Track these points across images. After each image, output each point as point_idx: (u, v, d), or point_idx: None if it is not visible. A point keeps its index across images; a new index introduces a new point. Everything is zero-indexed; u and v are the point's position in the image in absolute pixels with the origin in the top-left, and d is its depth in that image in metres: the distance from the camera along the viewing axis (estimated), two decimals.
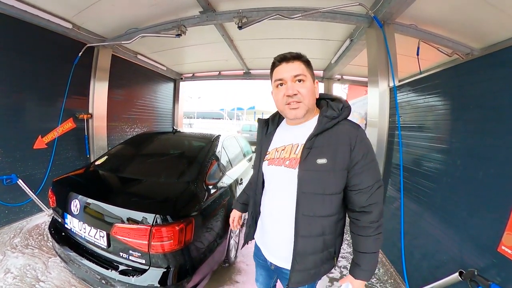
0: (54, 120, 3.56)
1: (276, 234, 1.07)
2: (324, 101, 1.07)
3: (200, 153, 2.33)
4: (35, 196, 3.12)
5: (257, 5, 3.05)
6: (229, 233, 2.21)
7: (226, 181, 2.35)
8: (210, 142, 2.55)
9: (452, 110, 1.79)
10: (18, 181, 2.98)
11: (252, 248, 2.90)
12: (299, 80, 0.99)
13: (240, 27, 3.09)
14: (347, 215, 1.07)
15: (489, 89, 1.42)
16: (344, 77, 6.14)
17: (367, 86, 3.21)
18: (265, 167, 1.08)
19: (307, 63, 1.03)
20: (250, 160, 3.85)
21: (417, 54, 3.05)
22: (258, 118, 1.23)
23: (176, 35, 3.37)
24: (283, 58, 1.02)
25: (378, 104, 2.84)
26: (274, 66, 1.06)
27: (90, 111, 4.08)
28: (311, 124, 1.02)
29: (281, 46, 4.47)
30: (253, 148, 4.56)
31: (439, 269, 1.64)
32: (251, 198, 1.22)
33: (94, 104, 4.09)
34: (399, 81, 2.71)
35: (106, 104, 4.27)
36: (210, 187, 2.04)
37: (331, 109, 1.01)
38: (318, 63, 5.40)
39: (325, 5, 2.76)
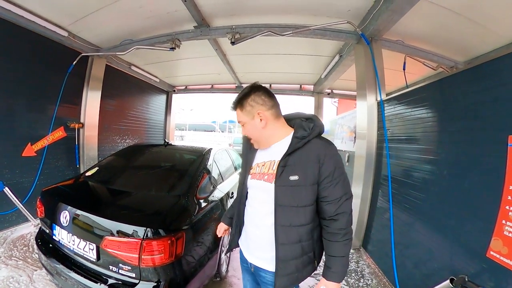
0: (45, 128, 3.51)
1: (257, 239, 1.16)
2: (299, 121, 1.16)
3: (191, 167, 2.32)
4: (21, 205, 3.00)
5: (250, 22, 3.18)
6: (220, 247, 2.18)
7: (217, 194, 2.34)
8: (202, 155, 2.55)
9: (438, 122, 1.88)
10: (4, 189, 2.88)
11: None
12: (242, 125, 1.17)
13: (233, 43, 3.19)
14: None
15: (472, 101, 1.52)
16: (334, 91, 6.34)
17: (356, 100, 3.32)
18: (249, 181, 1.19)
19: (242, 106, 1.13)
20: None
21: (404, 69, 3.21)
22: (243, 136, 1.28)
23: (170, 48, 3.44)
24: (231, 108, 1.19)
25: (367, 117, 2.94)
26: None
27: (81, 121, 4.04)
28: (285, 143, 1.11)
29: (273, 61, 4.62)
30: None
31: (431, 277, 1.66)
32: (236, 209, 1.32)
33: (86, 113, 4.06)
34: (387, 95, 2.83)
35: (98, 114, 4.24)
36: (201, 200, 2.03)
37: (302, 130, 1.10)
38: (309, 78, 5.58)
39: (315, 23, 2.90)
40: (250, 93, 1.11)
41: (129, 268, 1.49)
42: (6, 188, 2.90)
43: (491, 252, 1.26)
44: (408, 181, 2.18)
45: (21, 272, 2.29)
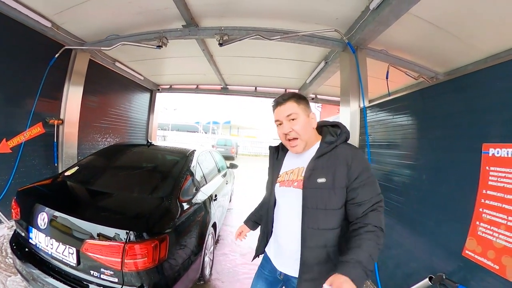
0: (22, 123, 3.28)
1: (287, 246, 1.17)
2: (325, 128, 1.21)
3: (175, 168, 2.30)
4: None
5: (239, 24, 3.19)
6: (203, 250, 2.17)
7: (200, 197, 2.33)
8: (185, 157, 2.52)
9: (418, 129, 1.99)
10: None
11: (227, 264, 2.83)
12: (292, 119, 1.14)
13: (221, 44, 3.19)
14: None
15: (450, 111, 1.63)
16: (318, 96, 6.51)
17: (339, 106, 3.43)
18: (277, 189, 1.22)
19: (298, 100, 1.16)
20: (224, 175, 3.84)
21: (387, 78, 3.37)
22: (270, 146, 1.38)
23: (157, 46, 3.37)
24: (277, 103, 1.20)
25: (349, 122, 3.03)
26: (273, 108, 1.23)
27: (61, 117, 3.83)
28: (314, 149, 1.15)
29: (259, 64, 4.65)
30: (228, 163, 4.57)
31: (411, 276, 1.75)
32: (264, 216, 1.34)
33: (67, 109, 3.85)
34: (369, 101, 2.94)
35: (79, 110, 4.04)
36: (185, 203, 2.01)
37: (329, 135, 1.16)
38: (294, 82, 5.68)
39: (303, 29, 2.97)
40: (304, 97, 1.21)
41: (111, 272, 1.44)
42: None
43: (466, 251, 1.35)
44: (389, 185, 2.27)
45: None
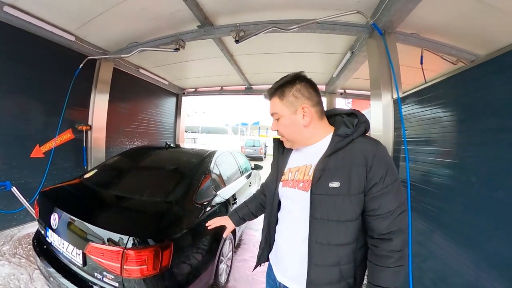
0: (53, 130, 3.59)
1: (287, 255, 1.02)
2: (340, 117, 1.01)
3: (189, 171, 2.22)
4: (28, 205, 3.08)
5: (254, 19, 3.06)
6: (217, 257, 2.06)
7: (217, 201, 2.22)
8: (202, 159, 2.44)
9: (462, 121, 1.63)
10: (12, 189, 2.96)
11: (246, 271, 2.66)
12: (277, 119, 1.01)
13: (237, 41, 3.07)
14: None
15: (503, 94, 1.27)
16: (347, 91, 6.04)
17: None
18: (280, 189, 1.05)
19: (282, 94, 0.97)
20: (248, 177, 3.70)
21: (421, 63, 2.92)
22: (274, 138, 1.19)
23: (174, 49, 3.38)
24: (265, 96, 1.06)
25: (382, 117, 2.68)
26: None
27: (89, 123, 4.11)
28: (324, 143, 0.96)
29: (281, 60, 4.45)
30: (253, 164, 4.42)
31: None
32: (265, 219, 1.16)
33: (94, 116, 4.12)
34: (403, 93, 2.57)
35: (106, 116, 4.30)
36: (197, 208, 1.92)
37: (344, 126, 0.96)
38: (320, 77, 5.33)
39: (321, 16, 2.70)
40: (295, 82, 0.96)
41: (112, 277, 1.43)
42: (14, 187, 2.98)
43: None
44: (428, 189, 1.92)
45: (23, 270, 2.32)
